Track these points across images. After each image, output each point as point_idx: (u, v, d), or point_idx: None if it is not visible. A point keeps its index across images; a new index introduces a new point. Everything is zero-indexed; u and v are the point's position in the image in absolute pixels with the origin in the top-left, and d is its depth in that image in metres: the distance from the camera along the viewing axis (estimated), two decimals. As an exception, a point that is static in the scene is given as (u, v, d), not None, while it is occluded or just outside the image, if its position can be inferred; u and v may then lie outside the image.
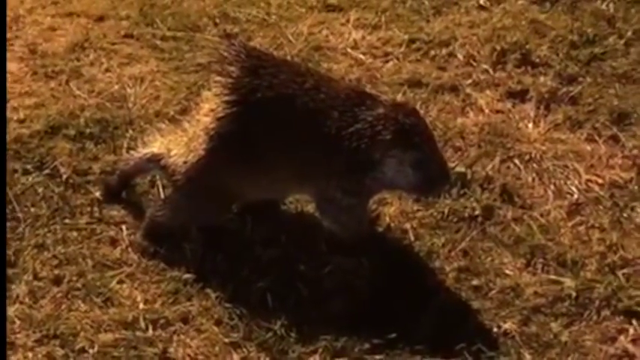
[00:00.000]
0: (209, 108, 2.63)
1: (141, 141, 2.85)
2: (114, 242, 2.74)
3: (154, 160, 2.72)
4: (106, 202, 2.84)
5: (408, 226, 2.82)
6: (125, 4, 3.72)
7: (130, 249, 2.72)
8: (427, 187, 2.64)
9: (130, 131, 3.07)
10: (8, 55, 3.36)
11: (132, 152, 2.84)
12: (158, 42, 3.52)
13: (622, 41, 3.51)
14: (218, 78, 2.61)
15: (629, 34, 3.54)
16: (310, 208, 2.81)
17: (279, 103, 2.58)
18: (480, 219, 2.83)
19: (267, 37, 3.56)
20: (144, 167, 2.80)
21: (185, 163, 2.63)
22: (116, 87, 3.28)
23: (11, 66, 3.33)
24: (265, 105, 2.58)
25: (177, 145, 2.67)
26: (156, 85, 3.30)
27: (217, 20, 3.65)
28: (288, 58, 3.41)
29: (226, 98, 2.58)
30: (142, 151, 2.78)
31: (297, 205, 2.85)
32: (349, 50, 3.51)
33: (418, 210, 2.86)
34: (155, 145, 2.75)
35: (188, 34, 3.58)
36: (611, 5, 3.66)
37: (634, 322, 2.56)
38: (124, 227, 2.78)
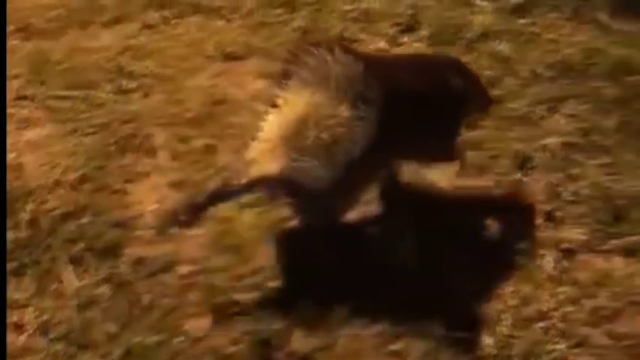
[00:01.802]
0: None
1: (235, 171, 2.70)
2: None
3: (269, 185, 2.72)
4: (161, 231, 2.76)
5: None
6: (14, 61, 3.61)
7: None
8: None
9: (31, 203, 2.96)
10: None
11: (233, 181, 2.68)
12: (53, 102, 3.42)
13: (518, 82, 3.56)
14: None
15: (525, 74, 3.60)
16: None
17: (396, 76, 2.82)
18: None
19: (165, 93, 3.50)
20: (247, 192, 2.76)
21: (322, 172, 2.67)
22: (12, 155, 3.17)
23: None
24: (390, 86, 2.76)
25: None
26: (52, 153, 3.19)
27: (112, 76, 3.58)
28: (189, 113, 3.37)
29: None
30: (246, 179, 2.67)
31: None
32: (251, 102, 3.47)
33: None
34: (258, 169, 2.67)
35: (83, 92, 3.48)
36: (507, 46, 3.71)
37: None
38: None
